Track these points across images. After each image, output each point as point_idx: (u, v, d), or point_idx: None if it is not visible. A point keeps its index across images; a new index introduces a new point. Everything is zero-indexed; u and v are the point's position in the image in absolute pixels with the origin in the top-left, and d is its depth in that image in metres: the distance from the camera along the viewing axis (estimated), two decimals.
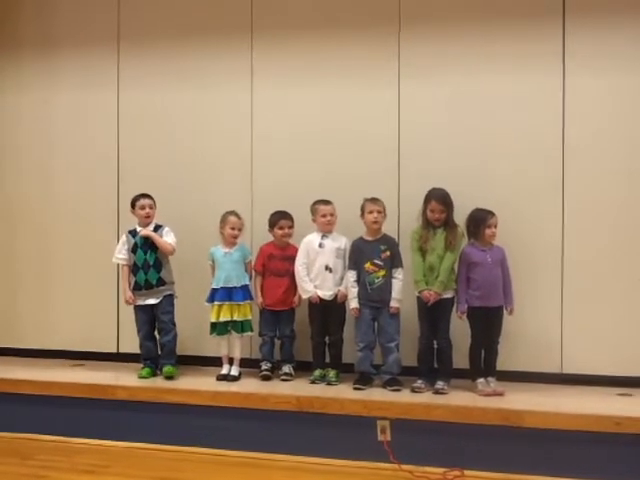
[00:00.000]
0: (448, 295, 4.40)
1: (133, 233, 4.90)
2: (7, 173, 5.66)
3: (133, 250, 4.85)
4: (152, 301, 4.82)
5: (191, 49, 5.23)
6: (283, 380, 4.67)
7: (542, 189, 4.63)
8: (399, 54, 4.85)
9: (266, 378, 4.68)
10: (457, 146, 4.74)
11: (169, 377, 4.70)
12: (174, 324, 4.86)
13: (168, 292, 4.86)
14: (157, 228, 4.89)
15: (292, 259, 4.74)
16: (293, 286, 4.76)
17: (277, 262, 4.80)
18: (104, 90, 5.41)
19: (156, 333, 4.90)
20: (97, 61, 5.44)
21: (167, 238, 4.85)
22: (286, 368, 4.75)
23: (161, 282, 4.83)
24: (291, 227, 4.80)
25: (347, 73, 4.93)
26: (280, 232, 4.79)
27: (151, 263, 4.82)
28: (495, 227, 4.36)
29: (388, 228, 4.62)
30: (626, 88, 4.53)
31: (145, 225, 4.88)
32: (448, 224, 4.41)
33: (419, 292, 4.40)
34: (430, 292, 4.35)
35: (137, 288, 4.83)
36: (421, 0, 4.82)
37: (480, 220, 4.36)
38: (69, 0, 5.53)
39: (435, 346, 4.45)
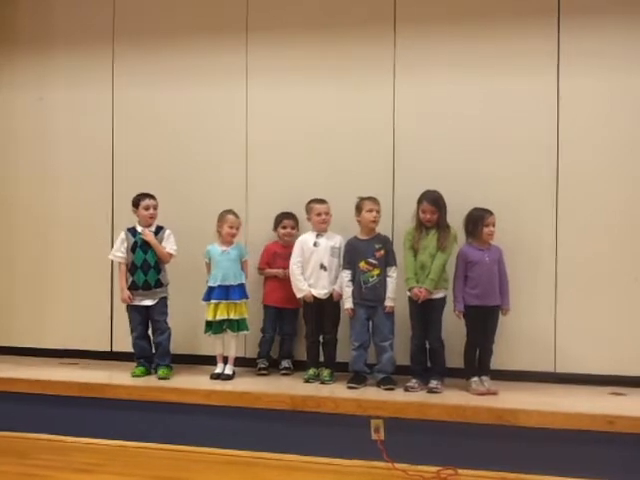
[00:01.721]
0: (439, 295, 4.41)
1: (133, 232, 4.87)
2: (1, 171, 5.64)
3: (132, 249, 4.83)
4: (148, 302, 4.81)
5: (187, 47, 5.23)
6: (283, 375, 4.75)
7: (537, 189, 4.64)
8: (394, 53, 4.85)
9: (263, 376, 4.73)
10: (452, 146, 4.74)
11: (163, 378, 4.69)
12: (168, 324, 4.85)
13: (164, 294, 4.85)
14: (158, 230, 4.87)
15: None
16: None
17: (281, 260, 4.83)
18: (99, 88, 5.40)
19: (149, 332, 4.89)
20: (92, 59, 5.42)
21: (167, 244, 4.84)
22: (285, 363, 4.84)
23: (159, 284, 4.82)
24: (294, 227, 4.85)
25: (342, 72, 4.94)
26: (283, 231, 4.85)
27: (152, 264, 4.80)
28: (493, 226, 4.37)
29: (383, 229, 4.63)
30: (621, 87, 4.53)
31: (147, 225, 4.85)
32: (440, 225, 4.42)
33: (409, 289, 4.41)
34: (420, 289, 4.36)
35: (134, 288, 4.81)
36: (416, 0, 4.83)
37: (478, 219, 4.37)
38: None
39: (427, 346, 4.46)
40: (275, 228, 4.90)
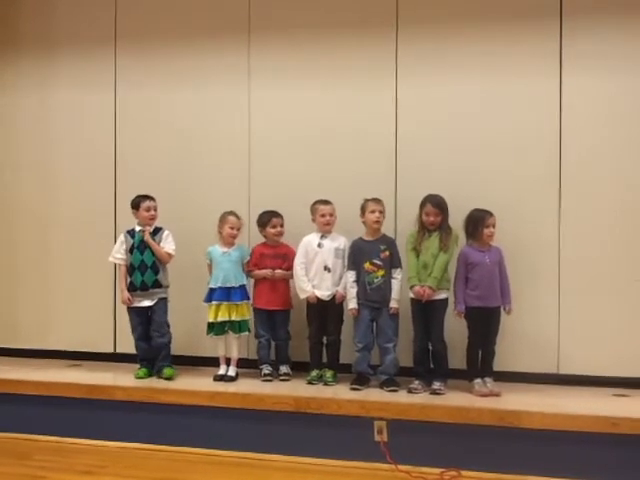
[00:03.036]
0: (441, 296, 4.41)
1: (132, 233, 4.88)
2: (4, 172, 5.65)
3: (130, 250, 4.84)
4: (147, 303, 4.81)
5: (188, 48, 5.23)
6: (283, 380, 4.69)
7: (538, 190, 4.63)
8: (396, 54, 4.85)
9: (269, 382, 4.66)
10: (454, 147, 4.74)
11: (168, 379, 4.69)
12: (168, 326, 4.86)
13: (163, 295, 4.84)
14: (157, 231, 4.87)
15: (284, 257, 4.76)
16: (286, 285, 4.78)
17: (269, 260, 4.78)
18: (101, 89, 5.41)
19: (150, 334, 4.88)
20: (95, 60, 5.43)
21: (166, 244, 4.84)
22: (284, 368, 4.79)
23: (157, 284, 4.81)
24: (282, 225, 4.81)
25: (345, 73, 4.94)
26: (273, 230, 4.79)
27: (149, 264, 4.80)
28: (493, 227, 4.37)
29: (385, 230, 4.62)
30: (623, 88, 4.53)
31: (147, 227, 4.85)
32: (443, 228, 4.43)
33: (411, 287, 4.41)
34: (424, 287, 4.35)
35: (132, 289, 4.81)
36: (419, 0, 4.83)
37: (479, 220, 4.37)
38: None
39: (430, 348, 4.46)
40: (263, 228, 4.82)
